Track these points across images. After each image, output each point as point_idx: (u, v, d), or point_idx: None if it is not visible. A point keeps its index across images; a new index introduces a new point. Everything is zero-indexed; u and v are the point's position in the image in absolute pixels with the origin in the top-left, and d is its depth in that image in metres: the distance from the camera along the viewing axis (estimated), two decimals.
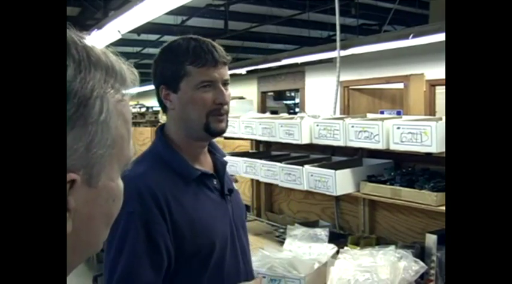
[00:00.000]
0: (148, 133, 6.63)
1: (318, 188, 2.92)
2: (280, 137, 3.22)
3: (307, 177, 2.98)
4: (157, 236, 1.53)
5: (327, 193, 2.87)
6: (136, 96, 16.66)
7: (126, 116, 0.76)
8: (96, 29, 5.14)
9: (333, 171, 2.80)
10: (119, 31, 5.02)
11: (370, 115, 3.26)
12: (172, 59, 1.70)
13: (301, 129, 3.03)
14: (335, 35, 8.67)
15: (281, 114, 3.97)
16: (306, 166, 3.00)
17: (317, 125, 2.99)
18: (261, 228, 4.00)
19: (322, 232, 2.85)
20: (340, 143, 2.84)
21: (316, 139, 3.00)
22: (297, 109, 12.62)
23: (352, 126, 2.75)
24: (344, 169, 2.85)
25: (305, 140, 3.04)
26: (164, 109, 1.77)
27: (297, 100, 12.40)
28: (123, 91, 0.75)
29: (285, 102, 13.53)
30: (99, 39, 5.53)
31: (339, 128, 2.83)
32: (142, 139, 6.73)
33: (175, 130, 1.73)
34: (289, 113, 12.93)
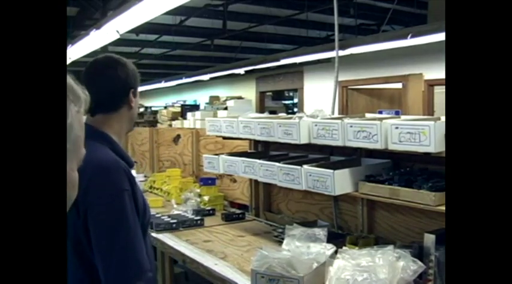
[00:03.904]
0: (146, 133, 6.61)
1: (317, 188, 2.92)
2: (279, 137, 3.21)
3: (306, 177, 2.98)
4: (138, 210, 1.91)
5: (326, 193, 2.87)
6: None
7: (81, 123, 1.04)
8: (94, 29, 5.13)
9: (332, 170, 2.80)
10: (117, 31, 5.02)
11: (368, 115, 3.27)
12: (134, 70, 2.19)
13: (299, 129, 3.03)
14: (333, 34, 8.68)
15: (280, 114, 3.97)
16: (305, 166, 3.00)
17: (315, 125, 2.99)
18: (260, 228, 4.00)
19: (321, 232, 2.84)
20: (339, 143, 2.84)
21: (314, 139, 3.00)
22: (295, 109, 12.61)
23: (351, 126, 2.75)
24: (342, 169, 2.84)
25: (303, 140, 3.04)
26: (116, 107, 2.10)
27: (296, 100, 12.39)
28: (79, 106, 1.02)
29: (283, 102, 13.52)
30: (97, 40, 5.53)
31: (337, 128, 2.83)
32: (140, 139, 6.72)
33: (120, 126, 2.12)
34: (288, 113, 12.94)
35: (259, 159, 3.55)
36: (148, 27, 6.84)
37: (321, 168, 2.92)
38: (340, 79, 3.87)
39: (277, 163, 3.24)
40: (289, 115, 3.72)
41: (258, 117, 3.70)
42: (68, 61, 7.26)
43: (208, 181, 4.81)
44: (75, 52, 6.56)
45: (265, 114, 4.09)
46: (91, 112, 2.03)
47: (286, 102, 13.58)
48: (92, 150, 1.31)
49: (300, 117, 3.18)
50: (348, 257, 2.33)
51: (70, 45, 6.23)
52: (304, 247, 2.77)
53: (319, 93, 10.08)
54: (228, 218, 4.25)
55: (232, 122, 3.75)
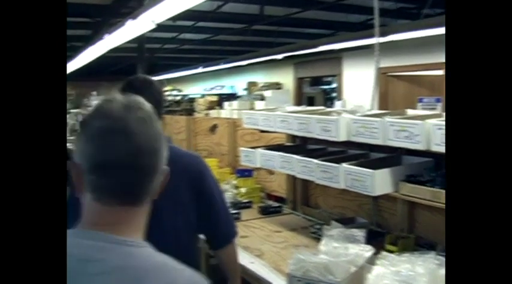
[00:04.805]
0: (183, 121, 6.60)
1: (355, 187, 2.85)
2: (317, 133, 3.15)
3: (344, 176, 2.91)
4: None
5: (365, 193, 2.80)
6: (173, 81, 16.75)
7: None
8: (130, 19, 5.10)
9: (372, 170, 2.73)
10: (153, 21, 4.98)
11: (409, 112, 3.17)
12: None
13: (338, 126, 2.96)
14: (372, 19, 8.50)
15: (317, 108, 3.89)
16: (344, 164, 2.93)
17: (355, 122, 2.91)
18: (297, 222, 3.96)
19: (359, 233, 2.77)
20: (379, 142, 2.76)
21: (353, 137, 2.93)
22: (333, 94, 12.44)
23: (392, 125, 2.67)
24: (382, 169, 2.77)
25: (342, 137, 2.97)
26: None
27: (334, 85, 12.22)
28: None
29: (321, 87, 13.35)
30: (133, 30, 5.51)
31: (377, 126, 2.75)
32: (178, 127, 6.71)
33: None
34: (326, 99, 12.79)
35: (296, 153, 3.49)
36: (185, 14, 6.78)
37: (361, 167, 2.84)
38: (379, 66, 3.75)
39: (315, 160, 3.17)
40: (328, 110, 3.64)
41: (295, 111, 3.63)
42: (105, 50, 7.29)
43: (245, 173, 4.78)
44: (111, 41, 6.57)
45: (303, 107, 4.02)
46: None
47: (324, 87, 13.41)
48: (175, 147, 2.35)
49: (339, 113, 3.11)
50: (387, 263, 2.26)
51: (107, 34, 6.23)
52: (342, 248, 2.71)
53: (358, 80, 9.92)
54: (265, 211, 4.22)
55: (269, 116, 3.70)
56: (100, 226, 1.12)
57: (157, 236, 1.65)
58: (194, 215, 2.34)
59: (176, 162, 2.05)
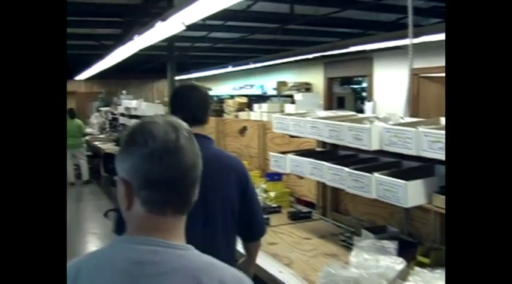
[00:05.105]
0: (213, 122, 6.59)
1: (387, 198, 2.80)
2: (348, 141, 3.10)
3: (376, 185, 2.86)
4: None
5: (397, 204, 2.75)
6: (202, 79, 16.81)
7: None
8: (160, 21, 5.10)
9: (404, 181, 2.67)
10: (183, 23, 4.97)
11: (443, 120, 3.10)
12: None
13: (370, 135, 2.90)
14: (403, 18, 8.38)
15: (348, 113, 3.83)
16: (375, 174, 2.87)
17: (387, 131, 2.86)
18: (326, 229, 3.91)
19: (391, 245, 2.73)
20: (412, 152, 2.70)
21: (386, 146, 2.87)
22: (364, 94, 12.31)
23: (426, 135, 2.61)
24: (415, 181, 2.70)
25: (374, 146, 2.91)
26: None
27: (365, 85, 12.09)
28: None
29: (351, 86, 13.23)
30: (162, 31, 5.51)
31: (411, 136, 2.69)
32: (207, 128, 6.70)
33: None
34: (356, 99, 12.67)
35: (327, 159, 3.44)
36: (215, 13, 6.76)
37: (393, 177, 2.79)
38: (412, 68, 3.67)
39: (346, 168, 3.12)
40: (359, 116, 3.58)
41: (326, 117, 3.58)
42: (135, 50, 7.31)
43: (274, 177, 4.74)
44: (141, 41, 6.58)
45: (333, 112, 3.97)
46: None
47: (355, 86, 13.28)
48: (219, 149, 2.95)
49: (371, 121, 3.05)
50: (420, 280, 2.21)
51: (136, 35, 6.24)
52: (373, 260, 2.67)
53: (389, 81, 9.80)
54: (294, 217, 4.18)
55: (299, 121, 3.66)
56: (150, 232, 1.27)
57: (208, 228, 2.47)
58: (237, 211, 2.59)
59: (224, 163, 2.62)
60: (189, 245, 1.31)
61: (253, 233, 2.76)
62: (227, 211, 2.55)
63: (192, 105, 2.64)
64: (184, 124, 1.34)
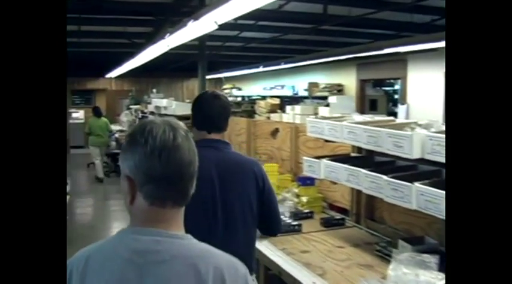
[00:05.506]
0: (244, 123, 6.49)
1: (428, 209, 2.67)
2: (388, 148, 2.97)
3: (417, 196, 2.73)
4: None
5: (439, 216, 2.61)
6: (233, 79, 16.67)
7: None
8: (192, 20, 5.02)
9: None
10: (215, 22, 4.88)
11: None
12: None
13: (412, 143, 2.77)
14: (437, 19, 8.18)
15: (387, 118, 3.70)
16: (416, 184, 2.74)
17: (430, 139, 2.72)
18: (360, 237, 3.78)
19: (432, 259, 2.59)
20: None
21: (428, 155, 2.74)
22: (396, 96, 12.10)
23: None
24: None
25: (416, 155, 2.78)
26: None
27: (397, 87, 11.88)
28: None
29: (384, 88, 13.01)
30: (194, 30, 5.43)
31: None
32: (238, 129, 6.61)
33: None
34: (389, 101, 12.46)
35: (363, 166, 3.31)
36: (247, 12, 6.66)
37: (435, 187, 2.65)
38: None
39: (384, 176, 3.00)
40: (399, 122, 3.45)
41: (364, 122, 3.44)
42: (167, 49, 7.25)
43: (306, 181, 4.62)
44: (172, 40, 6.53)
45: (370, 117, 3.83)
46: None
47: (387, 88, 13.07)
48: (237, 152, 3.06)
49: (412, 128, 2.92)
50: None
51: (168, 34, 6.18)
52: (412, 275, 2.55)
53: (423, 83, 9.60)
54: (327, 223, 4.06)
55: (335, 126, 3.53)
56: (153, 223, 1.40)
57: (228, 228, 2.67)
58: (256, 210, 2.75)
59: (242, 165, 2.79)
60: (188, 235, 1.44)
61: (272, 229, 2.99)
62: (246, 211, 2.72)
63: (214, 113, 2.80)
64: (182, 124, 1.45)
